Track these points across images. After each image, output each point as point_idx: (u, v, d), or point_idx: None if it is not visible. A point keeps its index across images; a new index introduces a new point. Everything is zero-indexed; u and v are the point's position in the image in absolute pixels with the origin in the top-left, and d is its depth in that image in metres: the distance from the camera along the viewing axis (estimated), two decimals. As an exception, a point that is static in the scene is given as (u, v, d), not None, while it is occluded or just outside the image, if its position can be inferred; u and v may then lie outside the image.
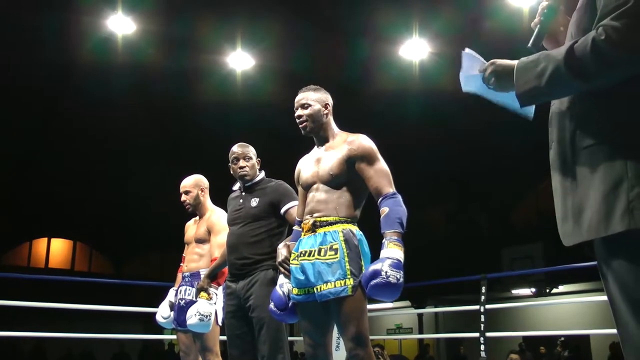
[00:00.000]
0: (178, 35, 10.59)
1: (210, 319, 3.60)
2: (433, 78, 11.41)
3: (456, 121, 12.86)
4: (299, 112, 2.91)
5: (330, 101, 2.98)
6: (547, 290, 14.28)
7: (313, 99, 2.92)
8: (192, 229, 4.29)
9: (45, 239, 20.87)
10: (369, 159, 2.79)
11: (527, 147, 13.52)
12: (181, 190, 4.20)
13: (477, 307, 6.35)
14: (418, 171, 15.28)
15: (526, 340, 13.86)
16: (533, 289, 14.58)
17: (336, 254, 2.65)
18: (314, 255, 2.72)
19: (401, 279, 2.41)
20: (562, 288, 14.24)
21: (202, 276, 3.86)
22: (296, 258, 2.80)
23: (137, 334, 12.27)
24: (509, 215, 16.58)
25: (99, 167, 15.10)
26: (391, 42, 10.88)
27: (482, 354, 6.13)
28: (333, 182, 2.81)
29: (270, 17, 10.24)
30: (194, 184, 4.21)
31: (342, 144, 2.84)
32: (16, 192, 16.59)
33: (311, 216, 2.80)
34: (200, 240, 4.13)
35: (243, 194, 3.55)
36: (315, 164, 2.90)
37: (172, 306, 4.17)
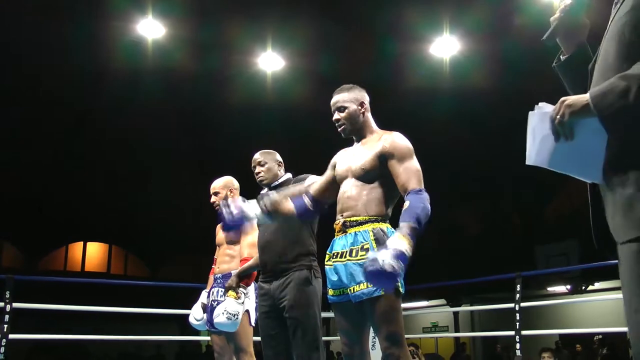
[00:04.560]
0: (208, 38, 10.65)
1: (237, 318, 3.59)
2: (464, 76, 11.33)
3: (486, 118, 12.76)
4: (335, 115, 2.88)
5: (366, 98, 2.94)
6: (583, 288, 14.10)
7: (348, 100, 2.87)
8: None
9: (81, 243, 21.16)
10: (401, 157, 2.76)
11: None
12: (211, 192, 4.23)
13: (511, 305, 6.31)
14: (449, 170, 15.19)
15: (563, 339, 13.70)
16: (569, 286, 14.40)
17: (367, 253, 2.61)
18: (345, 257, 2.71)
19: (398, 270, 2.29)
20: (598, 285, 14.04)
21: None
22: (330, 259, 2.81)
23: (174, 335, 12.37)
24: (542, 212, 16.40)
25: (131, 171, 15.26)
26: (421, 40, 10.82)
27: (518, 352, 6.08)
28: (365, 177, 2.79)
29: (300, 17, 10.26)
30: (223, 185, 4.24)
31: (378, 141, 2.82)
32: (51, 197, 16.86)
33: (342, 216, 2.79)
34: (231, 242, 4.15)
35: None
36: (350, 158, 2.89)
37: (204, 308, 4.19)
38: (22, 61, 11.02)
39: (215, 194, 4.21)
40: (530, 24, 9.92)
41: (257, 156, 3.66)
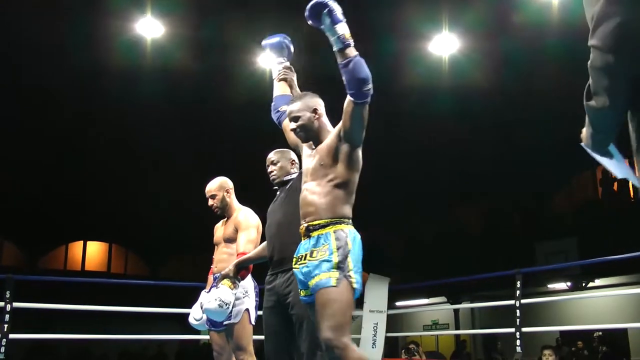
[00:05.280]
0: (208, 37, 10.63)
1: (228, 308, 3.51)
2: (463, 74, 11.32)
3: (486, 116, 12.75)
4: (291, 125, 2.98)
5: (318, 104, 3.01)
6: (584, 284, 14.12)
7: (301, 109, 2.96)
8: (220, 230, 4.32)
9: (81, 243, 21.19)
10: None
11: (559, 140, 13.40)
12: (207, 195, 4.25)
13: (512, 302, 6.32)
14: (449, 168, 15.20)
15: (563, 335, 13.71)
16: (569, 283, 14.42)
17: (326, 252, 2.72)
18: (307, 259, 2.80)
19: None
20: (598, 282, 14.06)
21: None
22: (296, 263, 2.89)
23: (175, 334, 12.38)
24: (541, 210, 16.41)
25: (131, 170, 15.26)
26: (420, 37, 10.80)
27: (518, 349, 6.09)
28: (323, 173, 2.85)
29: (298, 16, 10.23)
30: (218, 187, 4.24)
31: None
32: (51, 197, 16.86)
33: (305, 221, 2.86)
34: (229, 240, 4.15)
35: (278, 193, 3.60)
36: (309, 160, 2.97)
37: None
38: (21, 60, 11.00)
39: (212, 196, 4.22)
40: (530, 22, 9.92)
41: (269, 156, 3.70)
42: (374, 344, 7.38)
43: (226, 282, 3.54)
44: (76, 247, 21.17)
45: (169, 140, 14.24)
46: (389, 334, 7.84)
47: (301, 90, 3.36)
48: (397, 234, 19.83)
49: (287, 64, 3.59)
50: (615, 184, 14.38)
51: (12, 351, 5.58)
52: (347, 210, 2.85)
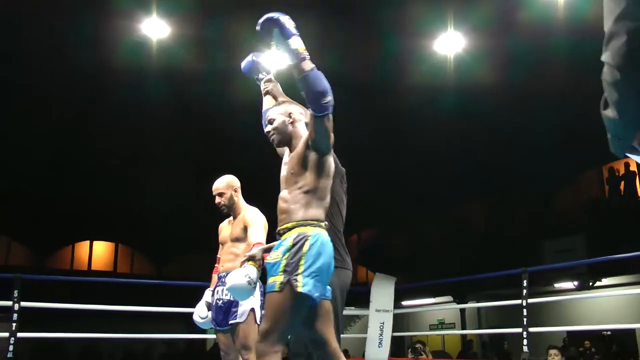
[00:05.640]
0: (213, 37, 10.63)
1: (254, 288, 3.35)
2: (468, 72, 11.29)
3: (491, 115, 12.73)
4: (267, 127, 3.03)
5: (294, 110, 3.02)
6: (590, 284, 14.06)
7: (277, 113, 2.99)
8: (226, 229, 4.30)
9: (88, 242, 21.25)
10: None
11: (564, 138, 13.37)
12: (214, 193, 4.20)
13: (518, 301, 6.30)
14: (455, 167, 15.17)
15: (570, 335, 13.66)
16: (576, 283, 14.36)
17: (279, 255, 2.71)
18: (267, 260, 2.84)
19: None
20: (605, 281, 13.99)
21: None
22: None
23: (182, 333, 12.40)
24: (548, 208, 16.37)
25: (137, 170, 15.29)
26: (425, 36, 10.78)
27: (525, 348, 6.07)
28: (293, 181, 2.85)
29: (305, 15, 10.21)
30: (226, 185, 4.22)
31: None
32: (57, 196, 16.92)
33: (279, 226, 2.88)
34: (236, 239, 4.13)
35: None
36: (283, 170, 2.98)
37: (209, 306, 4.19)
38: (27, 61, 11.03)
39: (220, 194, 4.19)
40: (536, 20, 9.89)
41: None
42: (380, 343, 7.36)
43: (252, 263, 3.50)
44: (83, 247, 21.24)
45: (174, 140, 14.27)
46: (396, 334, 7.83)
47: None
48: (403, 234, 19.82)
49: (268, 77, 3.56)
50: (622, 182, 14.34)
51: (19, 350, 5.60)
52: (316, 213, 2.82)
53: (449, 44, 10.79)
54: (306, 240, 2.71)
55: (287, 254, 2.69)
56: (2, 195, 16.14)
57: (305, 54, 2.68)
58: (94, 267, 20.99)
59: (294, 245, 2.71)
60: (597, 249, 11.45)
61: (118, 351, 17.25)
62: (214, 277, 4.26)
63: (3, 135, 13.18)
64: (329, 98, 2.65)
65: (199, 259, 19.19)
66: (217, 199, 4.17)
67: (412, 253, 18.63)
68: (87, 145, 14.34)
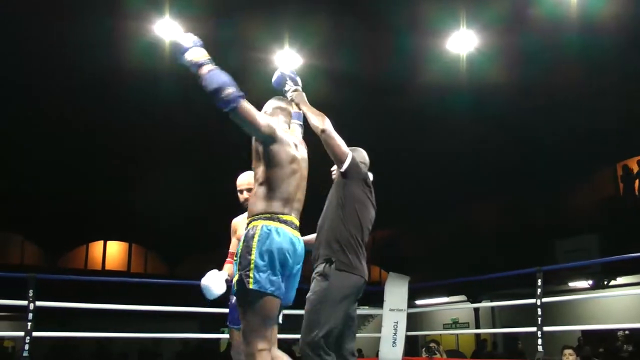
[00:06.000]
0: (225, 37, 10.62)
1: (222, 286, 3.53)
2: (481, 71, 11.24)
3: (504, 113, 12.67)
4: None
5: (268, 106, 3.19)
6: (605, 283, 13.97)
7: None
8: (244, 224, 4.23)
9: (101, 242, 21.36)
10: None
11: (578, 137, 13.29)
12: (240, 188, 4.05)
13: (533, 300, 6.26)
14: (468, 166, 15.12)
15: (585, 335, 13.58)
16: (590, 282, 14.27)
17: (239, 252, 2.70)
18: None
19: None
20: (620, 280, 13.90)
21: None
22: None
23: (194, 332, 12.45)
24: (562, 207, 16.27)
25: (150, 171, 15.33)
26: (437, 35, 10.73)
27: (539, 348, 6.04)
28: (254, 176, 2.89)
29: (318, 14, 10.20)
30: (252, 181, 4.17)
31: None
32: (71, 197, 17.00)
33: None
34: None
35: None
36: None
37: (227, 283, 3.94)
38: (37, 61, 11.06)
39: (249, 190, 3.88)
40: (548, 17, 9.83)
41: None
42: (394, 342, 7.36)
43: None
44: (96, 247, 21.35)
45: (186, 141, 14.29)
46: (409, 333, 7.81)
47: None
48: (416, 234, 19.77)
49: (294, 87, 3.52)
50: (637, 180, 14.22)
51: (34, 349, 5.64)
52: (266, 205, 2.77)
53: (462, 42, 10.73)
54: (254, 234, 2.67)
55: (240, 250, 2.67)
56: (18, 195, 16.26)
57: (202, 60, 2.73)
58: (108, 267, 21.09)
59: (245, 240, 2.68)
60: (611, 247, 11.37)
61: (133, 351, 17.31)
62: (226, 265, 4.17)
63: (11, 135, 13.26)
64: (229, 90, 2.63)
65: (211, 258, 19.23)
66: (245, 194, 4.00)
67: (426, 253, 18.58)
68: (101, 146, 14.39)
